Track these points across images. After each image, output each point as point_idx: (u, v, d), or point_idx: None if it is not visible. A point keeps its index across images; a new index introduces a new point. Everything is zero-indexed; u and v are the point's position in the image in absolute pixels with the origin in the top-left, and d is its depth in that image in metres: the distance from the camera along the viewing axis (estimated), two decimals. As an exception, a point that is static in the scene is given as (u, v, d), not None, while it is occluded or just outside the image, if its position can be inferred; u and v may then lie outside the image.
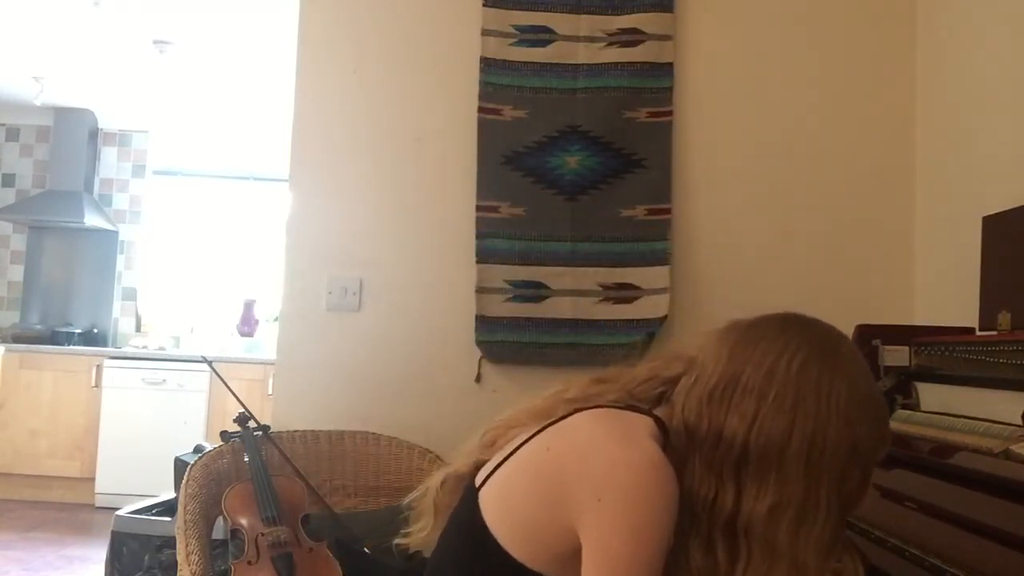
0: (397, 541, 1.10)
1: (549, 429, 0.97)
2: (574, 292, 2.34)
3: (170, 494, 2.64)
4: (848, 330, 1.76)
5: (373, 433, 2.22)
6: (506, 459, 0.99)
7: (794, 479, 0.89)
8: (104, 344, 5.36)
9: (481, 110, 2.37)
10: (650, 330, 2.31)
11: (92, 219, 5.25)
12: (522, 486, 0.96)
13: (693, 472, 0.93)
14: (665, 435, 0.95)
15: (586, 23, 2.39)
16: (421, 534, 1.08)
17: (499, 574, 0.94)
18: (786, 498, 0.88)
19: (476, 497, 0.99)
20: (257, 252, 5.57)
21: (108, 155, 5.62)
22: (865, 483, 0.94)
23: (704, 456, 0.92)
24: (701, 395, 0.94)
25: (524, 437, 0.99)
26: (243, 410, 2.13)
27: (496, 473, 0.99)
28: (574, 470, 0.91)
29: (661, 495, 0.88)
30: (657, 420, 0.96)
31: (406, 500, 1.12)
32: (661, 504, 0.88)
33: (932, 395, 1.59)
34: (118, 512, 2.52)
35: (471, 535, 0.97)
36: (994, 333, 1.56)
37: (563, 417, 0.97)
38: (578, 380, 1.05)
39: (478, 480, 1.01)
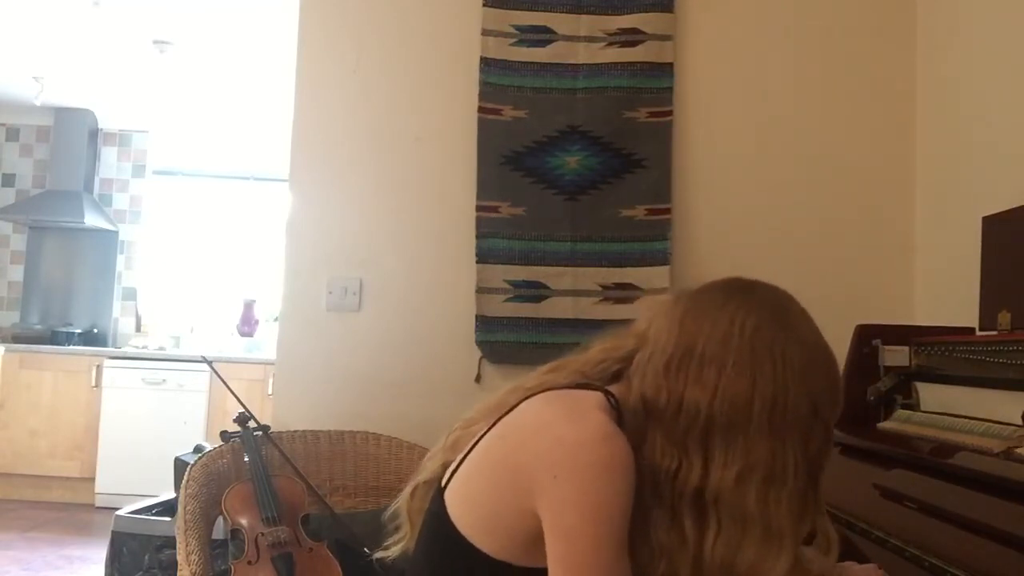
0: (379, 555, 1.10)
1: (503, 420, 0.97)
2: (574, 292, 2.34)
3: (170, 494, 2.64)
4: (848, 330, 1.77)
5: (373, 433, 2.22)
6: (466, 456, 1.00)
7: (759, 443, 0.88)
8: (104, 344, 5.36)
9: (481, 110, 2.37)
10: (650, 330, 2.31)
11: (92, 219, 5.25)
12: (481, 479, 0.97)
13: (654, 445, 0.92)
14: (618, 410, 0.95)
15: (586, 23, 2.39)
16: (400, 544, 1.09)
17: (469, 569, 0.95)
18: (752, 463, 0.88)
19: (442, 498, 0.99)
20: (257, 252, 5.57)
21: (108, 155, 5.62)
22: (828, 443, 0.94)
23: (665, 428, 0.91)
24: (657, 368, 0.93)
25: (481, 432, 1.00)
26: (243, 410, 2.13)
27: (458, 471, 1.00)
28: (527, 453, 0.91)
29: (615, 466, 0.87)
30: (607, 394, 0.95)
31: (385, 513, 1.12)
32: (616, 475, 0.87)
33: (932, 395, 1.59)
34: (118, 512, 2.52)
35: (440, 535, 0.98)
36: (994, 333, 1.56)
37: (515, 406, 0.97)
38: (536, 371, 1.05)
39: (443, 481, 1.02)
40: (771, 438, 0.89)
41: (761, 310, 0.93)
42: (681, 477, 0.90)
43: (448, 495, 0.99)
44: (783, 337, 0.91)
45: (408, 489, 1.09)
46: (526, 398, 0.97)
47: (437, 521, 0.99)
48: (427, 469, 1.07)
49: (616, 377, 1.00)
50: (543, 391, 0.97)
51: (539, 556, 0.90)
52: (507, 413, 0.98)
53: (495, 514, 0.94)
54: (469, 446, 1.01)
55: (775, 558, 0.88)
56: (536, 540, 0.90)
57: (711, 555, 0.89)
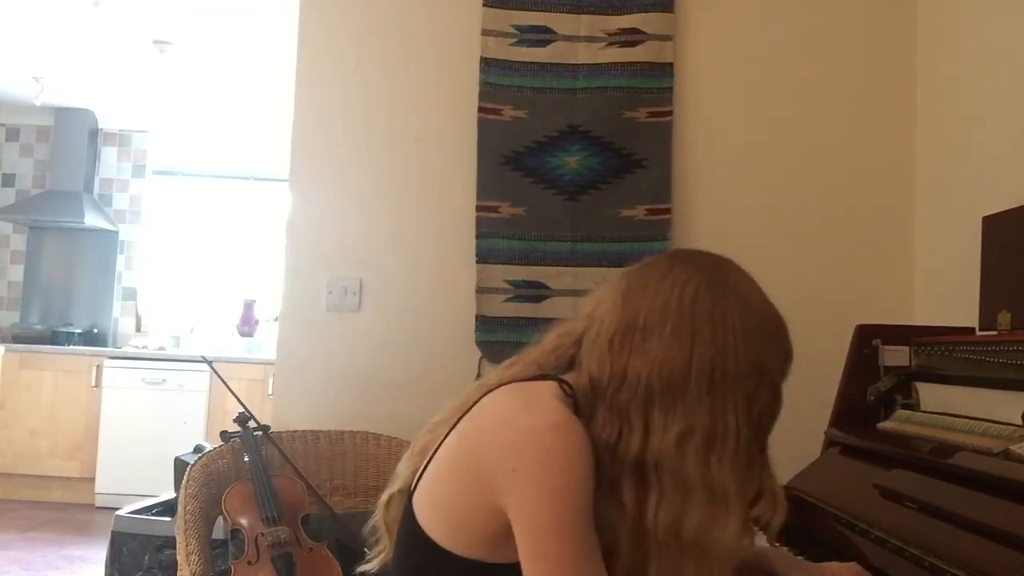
0: (361, 568, 1.10)
1: (463, 419, 0.98)
2: (574, 292, 2.34)
3: (170, 494, 2.64)
4: (848, 330, 1.77)
5: (373, 433, 2.22)
6: (430, 460, 1.00)
7: (698, 406, 0.88)
8: (104, 344, 5.36)
9: (481, 110, 2.37)
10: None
11: (92, 219, 5.25)
12: (446, 480, 0.97)
13: (597, 420, 0.92)
14: (574, 396, 0.94)
15: (586, 23, 2.39)
16: (380, 556, 1.08)
17: (443, 572, 0.94)
18: (691, 425, 0.88)
19: (411, 504, 1.00)
20: (257, 252, 5.57)
21: (108, 155, 5.62)
22: (776, 401, 0.94)
23: (606, 401, 0.92)
24: (603, 345, 0.94)
25: (442, 435, 1.00)
26: (243, 410, 2.13)
27: (423, 476, 1.00)
28: (486, 449, 0.92)
29: (571, 453, 0.87)
30: (561, 382, 0.95)
31: (366, 527, 1.12)
32: (574, 462, 0.87)
33: (932, 395, 1.59)
34: (118, 512, 2.52)
35: (412, 541, 0.98)
36: (994, 333, 1.56)
37: (473, 404, 0.98)
38: (496, 368, 1.06)
39: (412, 487, 1.02)
40: (711, 400, 0.89)
41: (700, 276, 0.94)
42: (622, 447, 0.90)
43: (416, 500, 0.99)
44: (723, 301, 0.92)
45: (383, 499, 1.09)
46: (483, 395, 0.97)
47: (408, 527, 0.99)
48: (400, 477, 1.07)
49: (572, 362, 1.00)
50: (497, 386, 0.98)
51: (509, 551, 0.90)
52: (466, 412, 0.98)
53: (461, 514, 0.94)
54: (434, 449, 1.01)
55: (723, 521, 0.88)
56: (504, 535, 0.90)
57: (653, 522, 0.89)
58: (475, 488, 0.92)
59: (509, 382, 0.98)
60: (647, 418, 0.90)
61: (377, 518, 1.09)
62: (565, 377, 0.97)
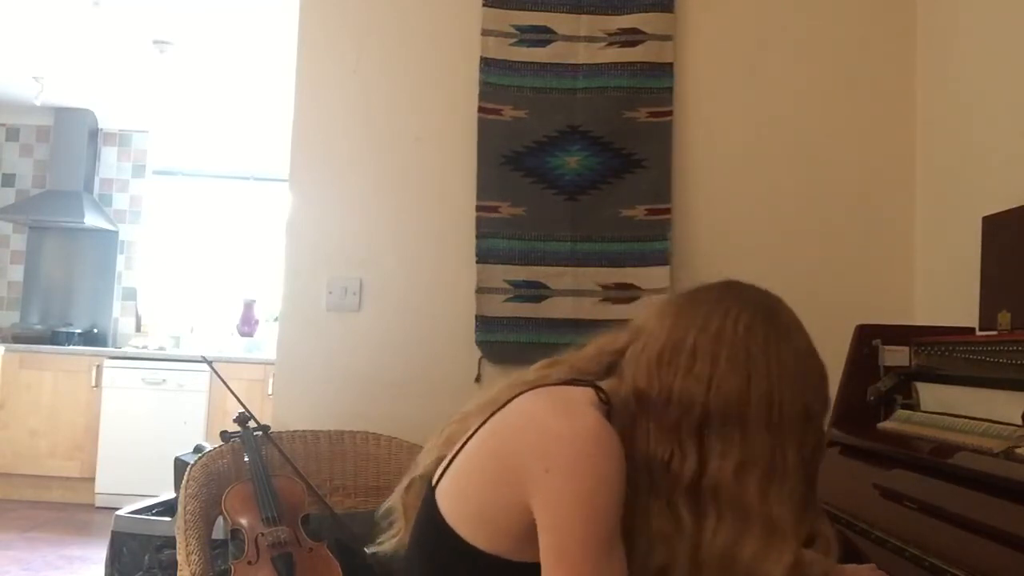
0: (373, 549, 1.11)
1: (495, 416, 0.99)
2: (574, 292, 2.34)
3: (170, 494, 2.64)
4: (848, 330, 1.77)
5: (373, 433, 2.22)
6: (458, 452, 1.01)
7: (758, 438, 0.90)
8: (104, 344, 5.36)
9: (481, 110, 2.37)
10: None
11: (92, 219, 5.25)
12: (474, 474, 0.98)
13: (647, 435, 0.93)
14: (608, 404, 0.96)
15: (586, 23, 2.39)
16: (394, 539, 1.10)
17: (460, 564, 0.95)
18: (752, 457, 0.90)
19: (434, 493, 1.00)
20: (257, 252, 5.57)
21: (108, 155, 5.62)
22: (822, 445, 0.96)
23: (657, 418, 0.93)
24: (650, 360, 0.95)
25: (474, 427, 1.01)
26: (243, 410, 2.13)
27: (450, 467, 1.01)
28: (519, 448, 0.93)
29: (605, 459, 0.89)
30: (598, 389, 0.97)
31: (380, 509, 1.13)
32: (606, 468, 0.89)
33: (932, 395, 1.59)
34: (118, 512, 2.52)
35: (432, 530, 0.99)
36: (994, 333, 1.56)
37: (507, 402, 0.99)
38: (532, 367, 1.07)
39: (435, 477, 1.02)
40: (768, 434, 0.90)
41: (754, 310, 0.95)
42: (675, 466, 0.91)
43: (440, 490, 1.00)
44: (775, 337, 0.93)
45: (403, 483, 1.10)
46: (518, 394, 0.98)
47: (429, 516, 1.00)
48: (422, 464, 1.08)
49: (610, 370, 1.02)
50: (535, 387, 0.99)
51: (530, 550, 0.91)
52: (499, 409, 0.99)
53: (488, 509, 0.95)
54: (462, 441, 1.01)
55: (778, 553, 0.89)
56: (528, 534, 0.91)
57: (711, 544, 0.90)
58: (505, 485, 0.93)
59: (545, 384, 0.99)
60: (701, 442, 0.91)
61: (395, 500, 1.11)
62: (602, 384, 0.98)
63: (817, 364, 0.97)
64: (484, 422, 0.99)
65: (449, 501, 0.98)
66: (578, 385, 0.98)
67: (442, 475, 1.01)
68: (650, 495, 0.93)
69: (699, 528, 0.90)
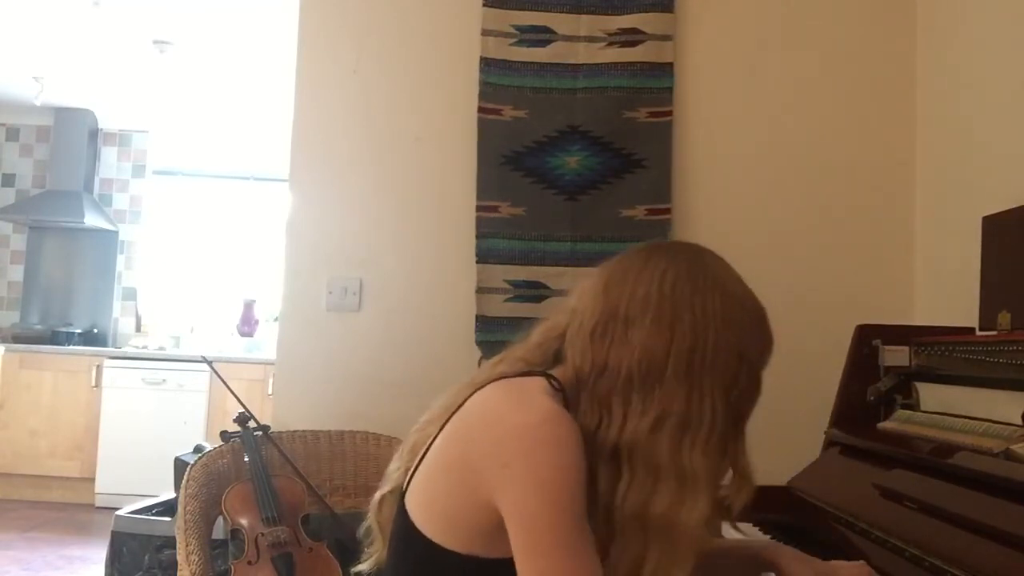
0: (356, 569, 1.10)
1: (453, 417, 0.98)
2: (574, 292, 2.34)
3: (170, 494, 2.64)
4: (848, 330, 1.77)
5: (373, 433, 2.22)
6: (421, 459, 1.00)
7: (675, 392, 0.90)
8: (104, 344, 5.36)
9: (481, 110, 2.37)
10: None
11: (92, 219, 5.26)
12: (438, 478, 0.97)
13: (578, 409, 0.94)
14: (562, 391, 0.96)
15: (586, 23, 2.39)
16: (373, 557, 1.09)
17: (436, 568, 0.95)
18: (667, 410, 0.90)
19: (404, 503, 1.00)
20: (257, 252, 5.57)
21: (108, 155, 5.62)
22: (755, 388, 0.96)
23: (588, 391, 0.94)
24: (584, 337, 0.95)
25: (434, 433, 1.00)
26: (243, 410, 2.13)
27: (415, 475, 1.00)
28: (477, 446, 0.92)
29: (562, 447, 0.88)
30: (549, 377, 0.96)
31: (360, 529, 1.13)
32: (564, 454, 0.88)
33: (932, 395, 1.59)
34: (118, 512, 2.52)
35: (407, 541, 0.98)
36: (994, 333, 1.56)
37: (463, 402, 0.98)
38: (483, 366, 1.07)
39: (404, 486, 1.02)
40: (687, 385, 0.90)
41: (679, 265, 0.95)
42: (600, 434, 0.92)
43: (408, 499, 1.00)
44: (702, 287, 0.93)
45: (375, 501, 1.09)
46: (473, 392, 0.98)
47: (403, 527, 0.99)
48: (391, 478, 1.07)
49: (558, 357, 1.01)
50: (486, 383, 0.98)
51: (503, 546, 0.90)
52: (456, 411, 0.98)
53: (455, 510, 0.94)
54: (424, 448, 1.01)
55: (691, 504, 0.89)
56: (498, 530, 0.90)
57: (622, 505, 0.90)
58: (467, 485, 0.92)
59: (497, 379, 0.98)
60: (626, 406, 0.91)
61: (370, 519, 1.10)
62: (552, 372, 0.98)
63: (750, 306, 0.97)
64: (443, 426, 0.99)
65: (419, 508, 0.98)
66: (530, 376, 0.97)
67: (409, 483, 1.01)
68: None
69: (612, 491, 0.91)
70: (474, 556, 0.93)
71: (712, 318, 0.92)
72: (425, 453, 1.00)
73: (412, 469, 1.02)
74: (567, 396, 0.95)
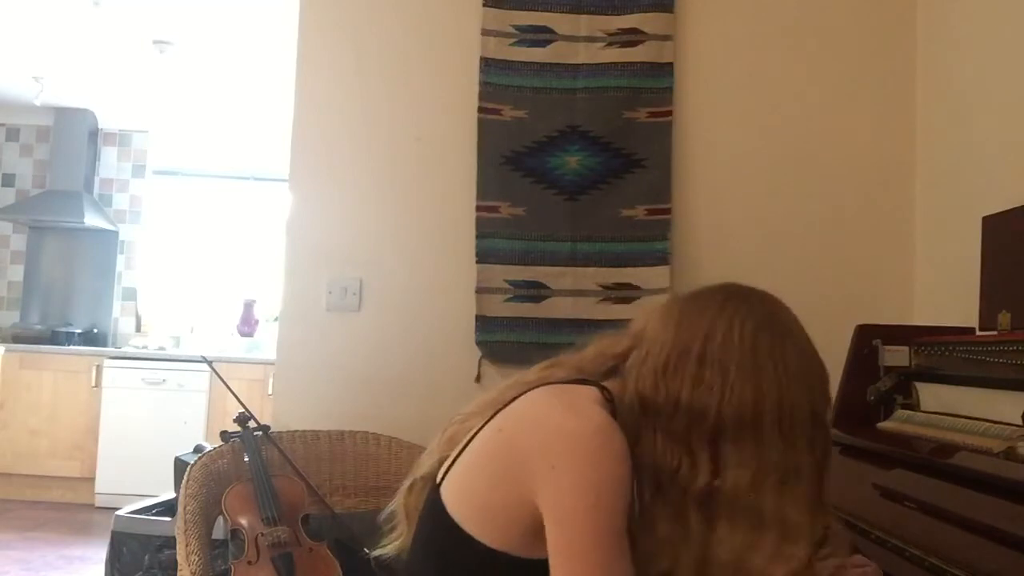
0: (376, 552, 1.11)
1: (500, 413, 0.99)
2: (574, 292, 2.34)
3: (170, 494, 2.64)
4: (848, 330, 1.77)
5: (373, 433, 2.22)
6: (463, 450, 1.01)
7: (772, 445, 0.90)
8: (104, 344, 5.36)
9: (481, 110, 2.37)
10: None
11: (92, 219, 5.25)
12: (480, 471, 0.98)
13: (654, 443, 0.94)
14: (612, 403, 0.97)
15: (586, 23, 2.39)
16: (397, 541, 1.10)
17: (468, 561, 0.96)
18: (768, 464, 0.90)
19: (438, 492, 1.01)
20: (257, 252, 5.57)
21: (108, 155, 5.62)
22: (829, 444, 0.97)
23: (664, 426, 0.93)
24: (655, 367, 0.95)
25: (478, 426, 1.01)
26: (243, 410, 2.13)
27: (455, 465, 1.01)
28: (525, 444, 0.93)
29: (611, 456, 0.89)
30: (603, 389, 0.98)
31: (382, 513, 1.13)
32: (612, 464, 0.89)
33: (932, 395, 1.59)
34: (118, 512, 2.52)
35: (439, 529, 0.99)
36: (994, 333, 1.56)
37: (512, 400, 0.99)
38: (533, 368, 1.07)
39: (439, 476, 1.03)
40: (781, 440, 0.91)
41: (758, 314, 0.95)
42: (684, 474, 0.92)
43: (445, 489, 1.00)
44: (780, 341, 0.94)
45: (405, 485, 1.10)
46: (523, 392, 0.99)
47: (435, 515, 1.00)
48: (424, 465, 1.08)
49: (611, 373, 1.02)
50: (540, 386, 0.99)
51: (538, 547, 0.91)
52: (503, 408, 0.99)
53: (494, 505, 0.95)
54: (465, 440, 1.02)
55: (790, 556, 0.90)
56: (535, 530, 0.91)
57: (721, 551, 0.91)
58: (511, 481, 0.93)
59: (548, 383, 1.00)
60: (715, 452, 0.91)
61: (397, 503, 1.11)
62: (606, 384, 0.99)
63: (819, 364, 0.97)
64: (488, 421, 1.00)
65: (455, 499, 0.98)
66: (583, 384, 0.98)
67: (446, 474, 1.01)
68: (655, 501, 0.93)
69: (709, 535, 0.91)
70: (506, 553, 0.94)
71: (792, 374, 0.92)
72: (466, 445, 1.01)
73: (451, 460, 1.02)
74: (616, 409, 0.97)
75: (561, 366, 1.05)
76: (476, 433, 1.00)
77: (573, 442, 0.90)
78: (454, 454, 1.02)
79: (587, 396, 0.95)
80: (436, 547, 1.00)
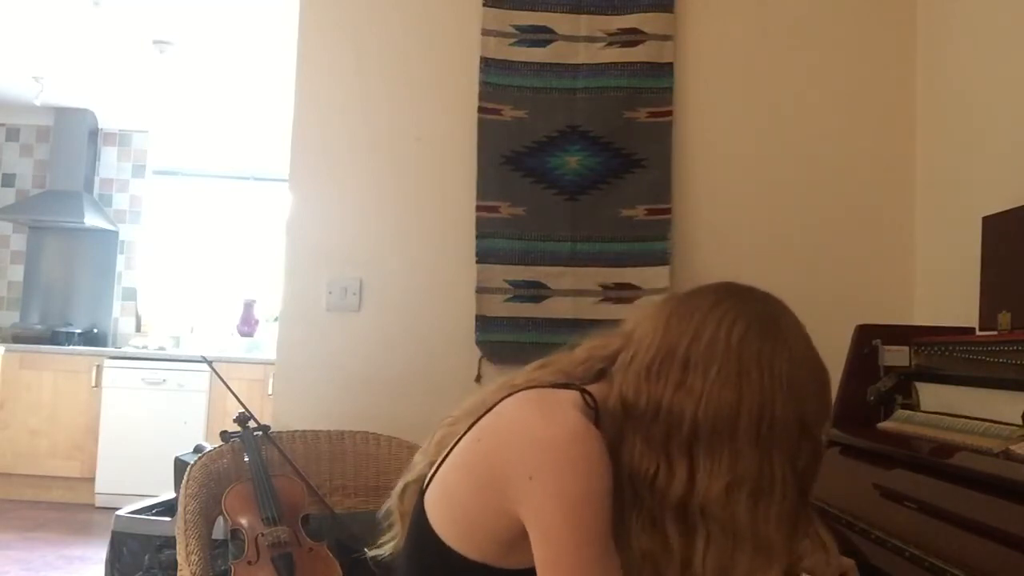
0: (372, 554, 1.10)
1: (481, 420, 0.97)
2: (574, 292, 2.34)
3: (170, 494, 2.64)
4: (848, 330, 1.77)
5: (373, 433, 2.22)
6: (446, 456, 0.99)
7: (747, 455, 0.86)
8: (104, 344, 5.36)
9: (481, 110, 2.37)
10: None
11: (92, 219, 5.25)
12: (459, 480, 0.96)
13: (633, 448, 0.90)
14: (595, 408, 0.94)
15: (586, 23, 2.39)
16: (391, 543, 1.08)
17: (446, 570, 0.94)
18: (740, 475, 0.86)
19: (423, 499, 0.99)
20: (257, 252, 5.57)
21: (108, 155, 5.62)
22: (817, 458, 0.92)
23: (644, 432, 0.90)
24: (639, 370, 0.92)
25: (462, 431, 0.99)
26: (243, 410, 2.13)
27: (437, 472, 0.99)
28: (503, 453, 0.91)
29: (589, 463, 0.86)
30: (584, 393, 0.94)
31: (379, 513, 1.12)
32: (591, 471, 0.86)
33: (932, 395, 1.59)
34: (118, 512, 2.52)
35: (420, 536, 0.98)
36: (994, 333, 1.56)
37: (494, 406, 0.97)
38: (523, 369, 1.04)
39: (426, 481, 1.01)
40: (758, 451, 0.87)
41: (750, 317, 0.91)
42: (661, 483, 0.89)
43: (427, 497, 0.99)
44: (771, 347, 0.89)
45: (398, 488, 1.09)
46: (506, 396, 0.96)
47: (418, 523, 0.99)
48: (415, 468, 1.07)
49: (600, 376, 0.99)
50: (522, 390, 0.96)
51: (518, 557, 0.90)
52: (487, 412, 0.97)
53: (473, 514, 0.93)
54: (451, 445, 1.00)
55: (766, 572, 0.87)
56: (515, 541, 0.90)
57: (702, 565, 0.88)
58: (489, 492, 0.91)
59: (534, 386, 0.97)
60: (691, 459, 0.88)
61: (391, 504, 1.09)
62: (591, 388, 0.96)
63: (815, 371, 0.93)
64: (471, 426, 0.98)
65: (436, 507, 0.97)
66: (566, 388, 0.95)
67: (431, 480, 1.00)
68: (633, 510, 0.90)
69: (688, 549, 0.88)
70: (486, 564, 0.92)
71: (779, 381, 0.88)
72: (450, 451, 0.99)
73: (435, 467, 1.01)
74: (600, 414, 0.93)
75: (549, 367, 1.02)
76: (460, 438, 0.98)
77: (550, 451, 0.87)
78: (439, 459, 1.01)
79: (566, 401, 0.92)
80: (417, 553, 0.99)
